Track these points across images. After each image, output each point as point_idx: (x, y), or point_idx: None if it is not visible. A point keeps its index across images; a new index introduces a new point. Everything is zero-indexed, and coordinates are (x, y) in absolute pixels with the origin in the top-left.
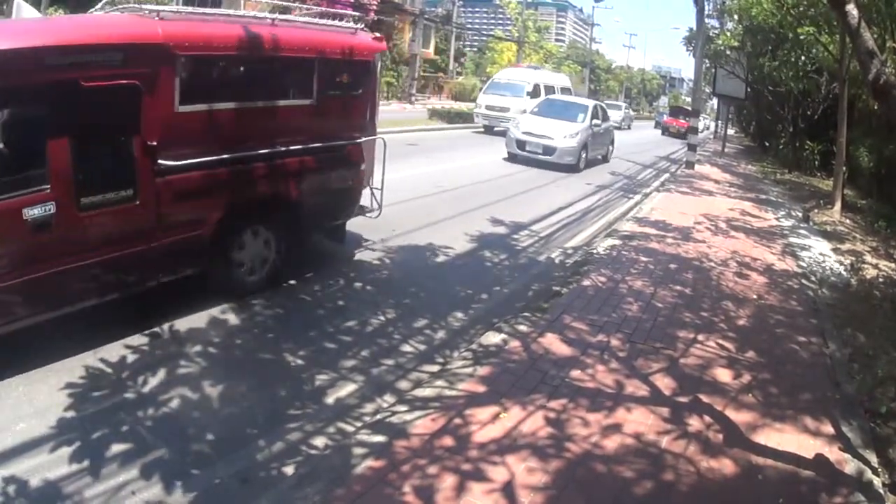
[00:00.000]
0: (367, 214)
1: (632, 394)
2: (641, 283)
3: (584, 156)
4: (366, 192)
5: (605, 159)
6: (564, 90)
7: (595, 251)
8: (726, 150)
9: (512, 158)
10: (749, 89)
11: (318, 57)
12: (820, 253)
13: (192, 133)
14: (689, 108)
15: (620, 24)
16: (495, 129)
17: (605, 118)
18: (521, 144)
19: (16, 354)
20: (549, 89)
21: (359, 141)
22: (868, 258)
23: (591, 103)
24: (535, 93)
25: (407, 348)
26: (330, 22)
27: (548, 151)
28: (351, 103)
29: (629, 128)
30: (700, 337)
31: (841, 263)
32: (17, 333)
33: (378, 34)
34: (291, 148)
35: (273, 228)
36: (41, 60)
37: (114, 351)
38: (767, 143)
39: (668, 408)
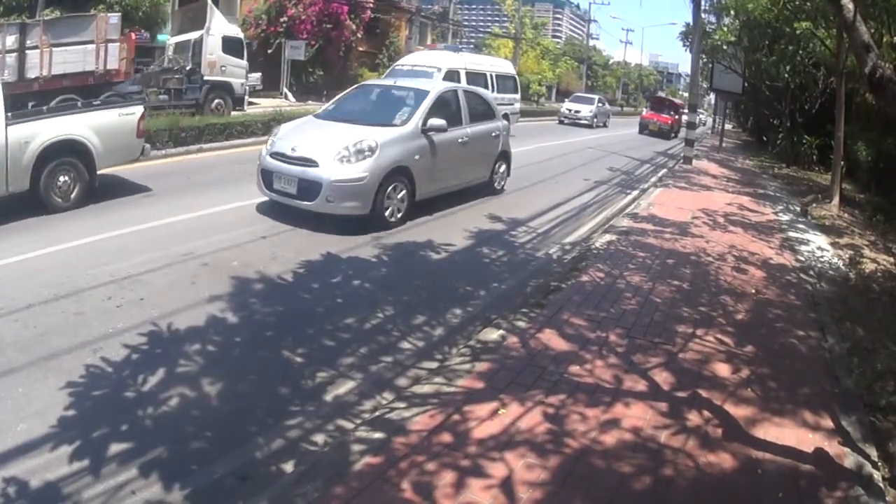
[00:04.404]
0: None
1: (630, 389)
2: (639, 279)
3: (400, 195)
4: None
5: (493, 188)
6: (503, 78)
7: (593, 247)
8: (724, 144)
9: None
10: (746, 84)
11: None
12: (818, 247)
13: None
14: (676, 100)
15: (617, 20)
16: None
17: (487, 115)
18: (267, 178)
19: (16, 355)
20: (476, 77)
21: None
22: (866, 252)
23: (438, 88)
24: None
25: (405, 345)
26: None
27: (306, 191)
28: None
29: (605, 125)
30: (699, 332)
31: (839, 257)
32: (16, 333)
33: None
34: None
35: None
36: None
37: (114, 350)
38: (765, 138)
39: (667, 403)
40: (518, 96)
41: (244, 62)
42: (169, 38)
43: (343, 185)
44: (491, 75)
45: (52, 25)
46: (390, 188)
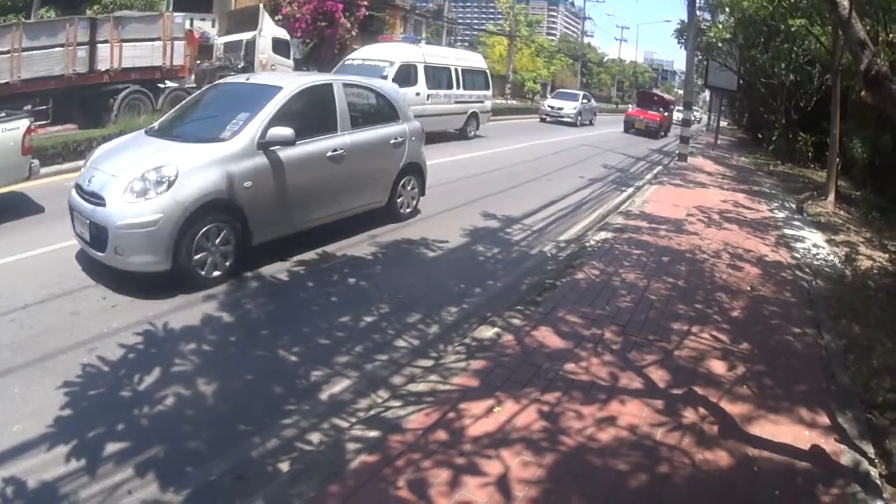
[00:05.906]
0: None
1: (626, 386)
2: (635, 276)
3: (222, 241)
4: None
5: (395, 213)
6: (471, 73)
7: (588, 244)
8: (719, 142)
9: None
10: (741, 81)
11: None
12: (814, 244)
13: None
14: (666, 95)
15: (612, 18)
16: None
17: (383, 117)
18: (73, 217)
19: (12, 355)
20: (438, 72)
21: None
22: (862, 249)
23: (295, 83)
24: (406, 79)
25: (400, 343)
26: None
27: (97, 238)
28: None
29: (591, 123)
30: (694, 329)
31: (835, 254)
32: (12, 334)
33: None
34: None
35: None
36: None
37: (110, 350)
38: (760, 135)
39: (663, 400)
40: (489, 93)
41: (290, 62)
42: (217, 39)
43: (130, 232)
44: (457, 70)
45: (121, 22)
46: (205, 230)
